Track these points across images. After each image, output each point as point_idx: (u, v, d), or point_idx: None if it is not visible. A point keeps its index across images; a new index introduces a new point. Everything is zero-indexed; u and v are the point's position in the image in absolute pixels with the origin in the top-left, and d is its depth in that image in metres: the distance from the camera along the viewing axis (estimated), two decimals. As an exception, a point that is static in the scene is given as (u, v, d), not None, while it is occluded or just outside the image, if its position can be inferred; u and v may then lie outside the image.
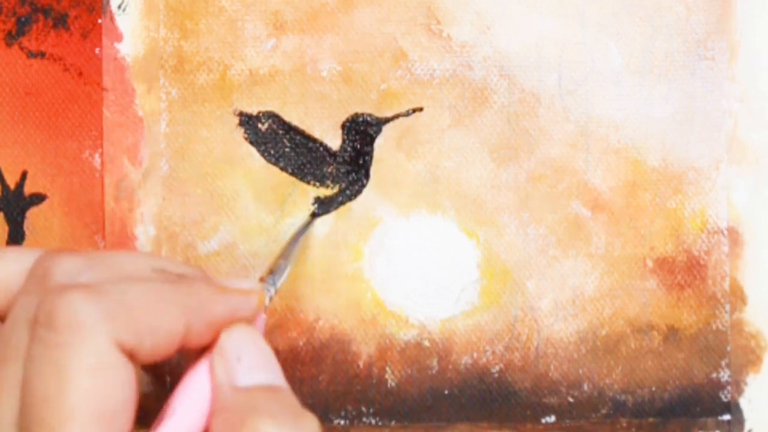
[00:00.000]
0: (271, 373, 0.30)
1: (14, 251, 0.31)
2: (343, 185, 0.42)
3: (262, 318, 0.33)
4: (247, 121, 0.42)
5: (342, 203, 0.42)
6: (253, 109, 0.42)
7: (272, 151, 0.42)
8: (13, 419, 0.26)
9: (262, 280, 0.36)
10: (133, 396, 0.27)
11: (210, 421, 0.29)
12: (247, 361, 0.30)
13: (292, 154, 0.42)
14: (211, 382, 0.30)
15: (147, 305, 0.28)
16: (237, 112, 0.42)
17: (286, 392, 0.30)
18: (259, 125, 0.42)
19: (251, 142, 0.42)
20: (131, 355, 0.28)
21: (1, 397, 0.27)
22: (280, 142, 0.42)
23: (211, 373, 0.30)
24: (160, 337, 0.28)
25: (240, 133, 0.42)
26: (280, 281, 0.36)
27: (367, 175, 0.42)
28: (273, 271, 0.36)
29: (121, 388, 0.27)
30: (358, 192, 0.42)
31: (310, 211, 0.41)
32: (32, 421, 0.26)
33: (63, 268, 0.29)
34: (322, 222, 0.42)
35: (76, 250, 0.34)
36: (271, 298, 0.35)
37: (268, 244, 0.42)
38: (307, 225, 0.41)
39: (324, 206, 0.42)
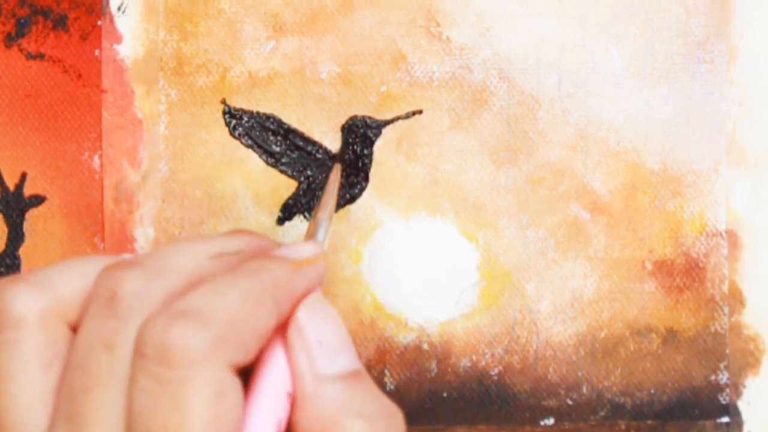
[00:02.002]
0: (352, 356, 0.29)
1: (77, 266, 0.30)
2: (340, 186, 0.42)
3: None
4: (232, 115, 0.42)
5: (340, 205, 0.42)
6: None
7: (263, 149, 0.42)
8: None
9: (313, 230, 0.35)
10: (242, 411, 0.27)
11: (294, 410, 0.29)
12: (329, 345, 0.29)
13: (292, 156, 0.42)
14: (290, 365, 0.29)
15: (246, 315, 0.27)
16: (225, 109, 0.42)
17: (367, 378, 0.29)
18: (243, 121, 0.42)
19: (233, 136, 0.42)
20: (237, 369, 0.27)
21: (100, 427, 0.26)
22: (266, 138, 0.42)
23: (289, 355, 0.29)
24: (261, 339, 0.28)
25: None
26: (327, 240, 0.35)
27: (366, 178, 0.42)
28: (315, 231, 0.35)
29: (237, 409, 0.27)
30: (358, 195, 0.42)
31: (330, 160, 0.41)
32: None
33: (129, 289, 0.28)
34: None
35: (132, 256, 0.32)
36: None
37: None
38: (332, 175, 0.39)
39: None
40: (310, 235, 0.35)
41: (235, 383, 0.27)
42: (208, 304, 0.27)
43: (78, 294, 0.29)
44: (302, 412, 0.28)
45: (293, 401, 0.29)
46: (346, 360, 0.29)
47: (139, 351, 0.26)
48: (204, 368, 0.26)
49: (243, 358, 0.27)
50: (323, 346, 0.29)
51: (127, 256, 0.31)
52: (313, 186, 0.42)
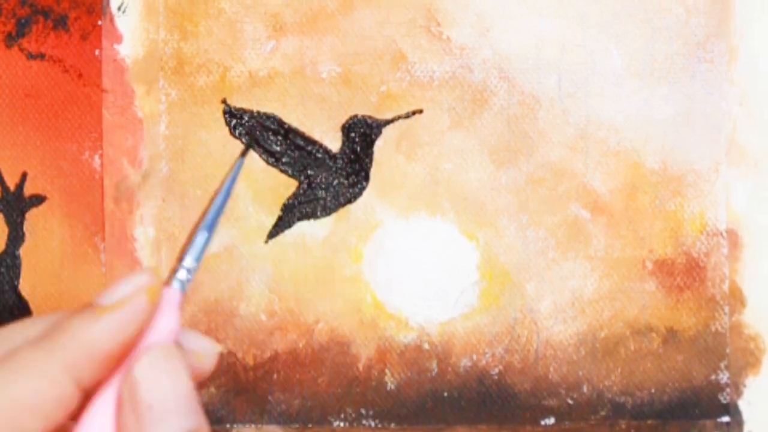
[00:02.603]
0: (188, 416, 0.26)
1: None
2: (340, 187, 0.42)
3: (174, 310, 0.28)
4: (232, 114, 0.42)
5: (341, 205, 0.42)
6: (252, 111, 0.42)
7: (264, 148, 0.42)
8: None
9: (179, 259, 0.29)
10: None
11: None
12: (161, 408, 0.26)
13: (292, 156, 0.42)
14: (117, 421, 0.26)
15: (20, 391, 0.25)
16: (225, 109, 0.42)
17: None
18: (243, 121, 0.42)
19: (234, 136, 0.42)
20: None
21: None
22: (266, 138, 0.42)
23: (119, 412, 0.26)
24: (48, 411, 0.25)
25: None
26: (197, 258, 0.29)
27: (367, 178, 0.42)
28: (186, 249, 0.29)
29: None
30: (358, 194, 0.42)
31: (236, 158, 0.31)
32: None
33: None
34: (321, 224, 0.42)
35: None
36: (188, 281, 0.29)
37: (268, 245, 0.42)
38: (236, 171, 0.31)
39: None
40: (185, 247, 0.29)
41: None
42: None
43: None
44: None
45: None
46: (181, 422, 0.26)
47: None
48: None
49: None
50: (153, 409, 0.26)
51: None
52: (313, 185, 0.42)
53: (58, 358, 0.26)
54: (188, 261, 0.29)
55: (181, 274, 0.28)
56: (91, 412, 0.27)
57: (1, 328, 0.28)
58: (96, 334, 0.26)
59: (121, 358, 0.27)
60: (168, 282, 0.28)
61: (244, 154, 0.31)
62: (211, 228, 0.29)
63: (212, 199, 0.30)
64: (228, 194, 0.30)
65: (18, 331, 0.27)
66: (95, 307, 0.26)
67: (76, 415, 0.27)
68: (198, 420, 0.26)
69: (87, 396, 0.27)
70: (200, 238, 0.29)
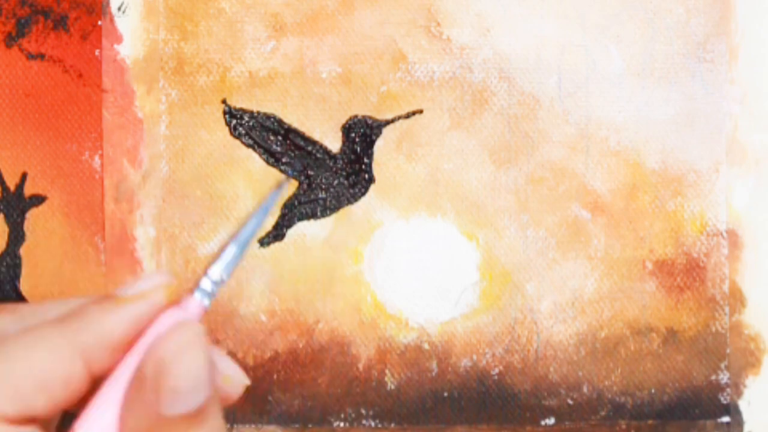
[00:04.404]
0: (204, 392, 0.27)
1: None
2: (341, 188, 0.42)
3: (197, 307, 0.29)
4: (232, 115, 0.42)
5: (343, 205, 0.42)
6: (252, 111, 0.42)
7: (264, 148, 0.42)
8: None
9: (205, 270, 0.29)
10: None
11: None
12: (173, 385, 0.26)
13: (292, 156, 0.42)
14: (135, 399, 0.27)
15: (30, 362, 0.26)
16: (225, 109, 0.42)
17: (212, 415, 0.27)
18: (243, 121, 0.42)
19: (234, 136, 0.42)
20: (30, 419, 0.26)
21: None
22: (267, 138, 0.42)
23: (140, 389, 0.27)
24: (55, 388, 0.26)
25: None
26: (226, 270, 0.29)
27: (370, 179, 0.42)
28: (214, 261, 0.29)
29: None
30: (361, 194, 0.42)
31: (281, 180, 0.33)
32: None
33: None
34: (321, 225, 0.42)
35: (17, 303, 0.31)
36: (213, 294, 0.29)
37: (268, 245, 0.42)
38: (274, 197, 0.31)
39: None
40: (213, 258, 0.30)
41: None
42: None
43: None
44: None
45: None
46: (192, 399, 0.26)
47: None
48: None
49: (18, 408, 0.25)
50: (166, 385, 0.26)
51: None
52: (313, 185, 0.42)
53: (72, 340, 0.26)
54: (215, 272, 0.29)
55: (206, 284, 0.29)
56: (100, 396, 0.27)
57: (21, 305, 0.28)
58: (111, 323, 0.27)
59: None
60: (192, 291, 0.28)
61: (287, 179, 0.32)
62: (244, 245, 0.29)
63: (248, 217, 0.30)
64: (265, 214, 0.30)
65: (36, 311, 0.28)
66: (114, 297, 0.27)
67: (78, 404, 0.27)
68: (209, 391, 0.27)
69: (93, 384, 0.27)
70: (230, 251, 0.29)
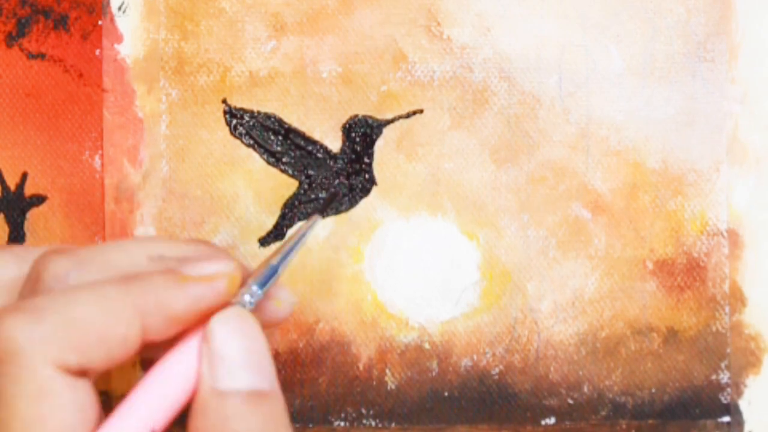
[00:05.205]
0: (258, 376, 0.28)
1: (13, 252, 0.31)
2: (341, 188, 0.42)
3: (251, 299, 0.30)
4: (233, 114, 0.42)
5: (345, 208, 0.42)
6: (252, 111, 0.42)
7: (265, 148, 0.42)
8: None
9: (243, 282, 0.31)
10: (85, 415, 0.26)
11: (189, 421, 0.27)
12: (231, 361, 0.27)
13: (293, 156, 0.42)
14: (197, 371, 0.28)
15: (93, 316, 0.26)
16: (225, 108, 0.42)
17: (273, 399, 0.28)
18: (244, 120, 0.42)
19: (234, 136, 0.42)
20: (83, 372, 0.26)
21: None
22: (267, 138, 0.42)
23: (198, 362, 0.28)
24: (113, 345, 0.27)
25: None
26: (266, 282, 0.31)
27: (371, 179, 0.42)
28: (256, 276, 0.31)
29: (68, 410, 0.26)
30: (361, 195, 0.42)
31: (314, 212, 0.39)
32: None
33: (52, 271, 0.28)
34: (321, 224, 0.42)
35: (76, 246, 0.32)
36: (250, 305, 0.30)
37: (268, 245, 0.42)
38: (312, 224, 0.34)
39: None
40: (254, 274, 0.31)
41: (70, 385, 0.26)
42: (52, 301, 0.26)
43: (13, 283, 0.30)
44: (192, 423, 0.27)
45: (190, 412, 0.28)
46: (250, 379, 0.27)
47: None
48: (25, 364, 0.25)
49: (77, 360, 0.26)
50: (224, 360, 0.27)
51: (68, 247, 0.31)
52: (313, 185, 0.42)
53: (134, 302, 0.27)
54: (255, 287, 0.30)
55: (246, 297, 0.30)
56: (174, 353, 0.28)
57: (78, 249, 0.29)
58: (174, 297, 0.28)
59: (187, 326, 0.28)
60: (232, 301, 0.30)
61: (322, 215, 0.36)
62: (280, 263, 0.32)
63: (290, 239, 0.33)
64: (302, 241, 0.33)
65: (94, 258, 0.29)
66: (179, 273, 0.28)
67: (125, 364, 0.29)
68: (268, 383, 0.28)
69: (145, 349, 0.28)
70: (271, 268, 0.31)
